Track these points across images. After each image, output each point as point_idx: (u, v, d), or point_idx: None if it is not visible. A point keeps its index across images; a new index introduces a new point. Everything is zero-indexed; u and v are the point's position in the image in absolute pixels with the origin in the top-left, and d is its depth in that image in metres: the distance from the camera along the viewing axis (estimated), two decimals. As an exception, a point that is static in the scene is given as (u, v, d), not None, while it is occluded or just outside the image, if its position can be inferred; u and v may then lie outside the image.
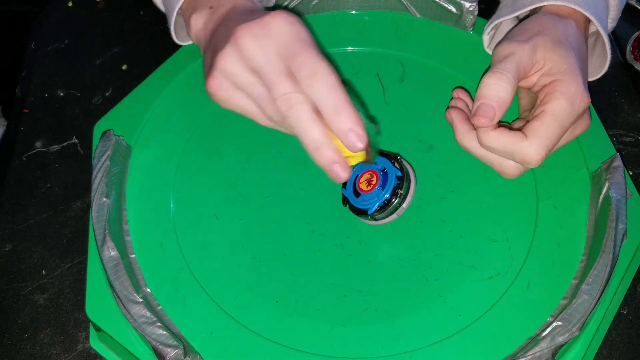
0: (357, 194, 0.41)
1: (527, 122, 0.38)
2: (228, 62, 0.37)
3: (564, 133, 0.38)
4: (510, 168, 0.40)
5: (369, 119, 0.40)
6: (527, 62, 0.39)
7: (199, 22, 0.44)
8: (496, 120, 0.38)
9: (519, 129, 0.38)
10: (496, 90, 0.38)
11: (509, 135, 0.38)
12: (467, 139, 0.41)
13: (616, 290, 0.39)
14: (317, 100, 0.35)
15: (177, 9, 0.46)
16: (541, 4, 0.43)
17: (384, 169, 0.40)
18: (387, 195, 0.39)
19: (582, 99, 0.38)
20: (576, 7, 0.42)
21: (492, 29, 0.48)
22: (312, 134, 0.35)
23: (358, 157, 0.38)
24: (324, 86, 0.35)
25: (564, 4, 0.42)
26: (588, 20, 0.44)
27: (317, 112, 0.35)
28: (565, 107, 0.37)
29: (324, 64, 0.35)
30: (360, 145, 0.35)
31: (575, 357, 0.37)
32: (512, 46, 0.39)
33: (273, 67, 0.36)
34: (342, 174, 0.36)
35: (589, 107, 0.43)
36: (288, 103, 0.35)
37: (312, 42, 0.36)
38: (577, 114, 0.38)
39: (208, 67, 0.40)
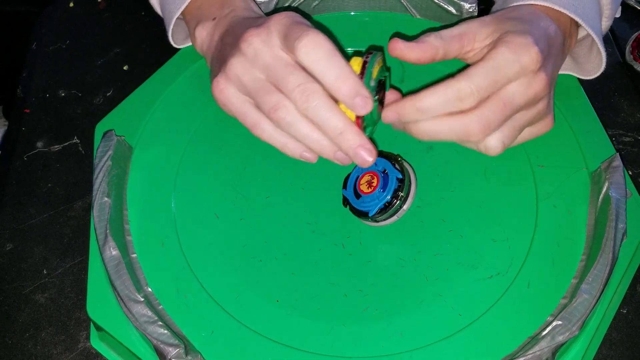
0: (357, 195, 0.41)
1: None
2: (234, 67, 0.38)
3: (501, 80, 0.36)
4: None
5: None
6: (469, 33, 0.39)
7: (203, 34, 0.45)
8: (402, 48, 0.38)
9: None
10: (424, 38, 0.39)
11: (433, 87, 0.36)
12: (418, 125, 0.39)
13: (616, 289, 0.39)
14: (318, 70, 0.35)
15: (176, 17, 0.47)
16: (526, 3, 0.43)
17: (385, 170, 0.40)
18: (387, 198, 0.39)
19: (527, 50, 0.36)
20: (557, 8, 0.42)
21: None
22: (334, 121, 0.35)
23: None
24: (320, 55, 0.34)
25: (546, 4, 0.42)
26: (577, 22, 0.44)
27: (333, 101, 0.35)
28: (504, 52, 0.36)
29: (316, 33, 0.35)
30: (368, 107, 0.35)
31: (575, 356, 0.37)
32: (462, 22, 0.40)
33: (283, 64, 0.36)
34: (369, 158, 0.36)
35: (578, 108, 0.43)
36: (304, 93, 0.35)
37: (308, 24, 0.36)
38: (520, 64, 0.36)
39: (212, 79, 0.40)
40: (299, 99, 0.35)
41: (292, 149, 0.39)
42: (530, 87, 0.38)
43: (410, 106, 0.37)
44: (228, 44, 0.40)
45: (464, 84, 0.36)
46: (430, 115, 0.37)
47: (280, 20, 0.37)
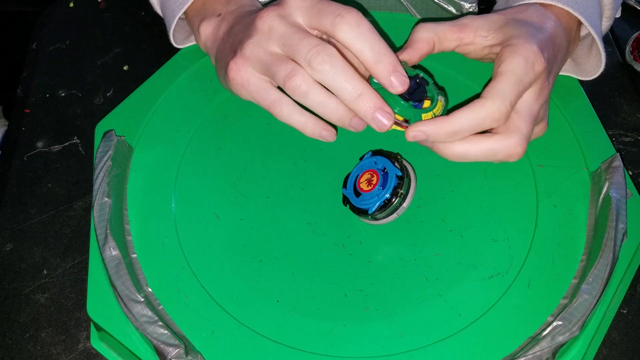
0: (357, 193, 0.41)
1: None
2: (250, 46, 0.37)
3: (523, 90, 0.37)
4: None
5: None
6: (468, 29, 0.40)
7: (208, 30, 0.45)
8: (406, 55, 0.39)
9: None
10: (411, 34, 0.40)
11: (466, 109, 0.36)
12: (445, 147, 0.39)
13: (616, 289, 0.39)
14: (355, 48, 0.35)
15: (178, 16, 0.47)
16: (529, 1, 0.43)
17: (384, 168, 0.40)
18: (387, 195, 0.39)
19: (537, 59, 0.37)
20: (561, 5, 0.42)
21: None
22: (351, 83, 0.35)
23: (439, 106, 0.37)
24: (361, 31, 0.34)
25: (550, 2, 0.42)
26: (579, 23, 0.44)
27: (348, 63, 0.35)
28: (519, 63, 0.37)
29: (352, 9, 0.35)
30: (404, 86, 0.35)
31: (576, 356, 0.37)
32: (467, 16, 0.41)
33: (299, 32, 0.35)
34: (387, 121, 0.35)
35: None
36: (318, 56, 0.34)
37: (331, 1, 0.36)
38: (534, 73, 0.37)
39: (225, 66, 0.40)
40: (313, 62, 0.35)
41: (311, 128, 0.38)
42: (541, 96, 0.38)
43: (440, 127, 0.36)
44: (239, 32, 0.40)
45: (499, 104, 0.36)
46: (461, 137, 0.37)
47: (299, 1, 0.36)
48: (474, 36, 0.40)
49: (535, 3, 0.43)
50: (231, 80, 0.39)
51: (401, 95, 0.37)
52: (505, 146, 0.37)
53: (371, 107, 0.35)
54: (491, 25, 0.40)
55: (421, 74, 0.40)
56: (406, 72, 0.37)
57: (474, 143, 0.37)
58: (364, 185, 0.41)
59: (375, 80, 0.37)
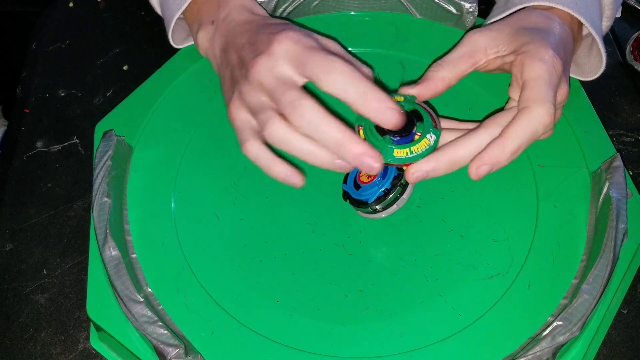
0: (357, 187, 0.41)
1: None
2: (244, 93, 0.38)
3: (556, 92, 0.37)
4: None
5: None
6: (478, 49, 0.40)
7: (205, 40, 0.45)
8: (414, 90, 0.39)
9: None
10: (427, 72, 0.40)
11: (518, 123, 0.36)
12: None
13: (616, 290, 0.39)
14: (341, 93, 0.35)
15: (176, 17, 0.47)
16: (528, 4, 0.43)
17: None
18: (387, 185, 0.40)
19: (555, 61, 0.38)
20: (561, 7, 0.42)
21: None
22: (331, 132, 0.35)
23: (423, 144, 0.37)
24: (342, 77, 0.34)
25: (550, 4, 0.43)
26: (580, 24, 0.44)
27: (329, 113, 0.35)
28: (542, 67, 0.37)
29: (336, 59, 0.35)
30: (398, 117, 0.35)
31: (576, 356, 0.37)
32: (472, 32, 0.41)
33: (281, 85, 0.36)
34: (375, 164, 0.35)
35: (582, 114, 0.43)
36: (297, 109, 0.35)
37: (318, 47, 0.36)
38: (557, 74, 0.38)
39: (228, 93, 0.41)
40: (292, 114, 0.35)
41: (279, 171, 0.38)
42: (558, 97, 0.39)
43: (503, 155, 0.36)
44: (235, 65, 0.40)
45: (547, 107, 0.36)
46: (522, 151, 0.37)
47: (286, 47, 0.36)
48: (485, 56, 0.41)
49: (537, 8, 0.43)
50: (232, 121, 0.40)
51: (380, 128, 0.37)
52: (540, 118, 0.37)
53: (356, 154, 0.35)
54: (500, 38, 0.40)
55: (422, 111, 0.39)
56: (401, 106, 0.36)
57: (517, 131, 0.37)
58: (364, 178, 0.41)
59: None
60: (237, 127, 0.39)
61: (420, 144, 0.37)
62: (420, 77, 0.40)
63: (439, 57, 0.41)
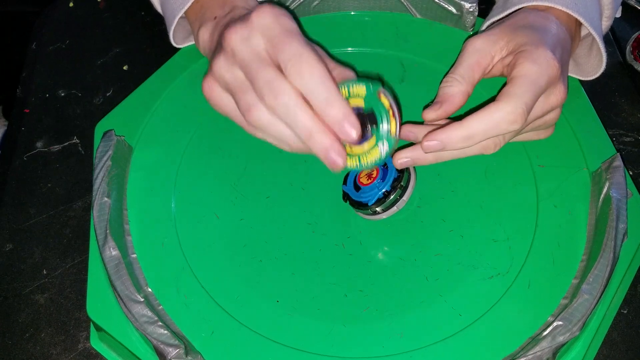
0: (357, 188, 0.41)
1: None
2: (217, 65, 0.37)
3: (538, 95, 0.37)
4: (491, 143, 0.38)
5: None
6: (484, 55, 0.40)
7: (206, 35, 0.45)
8: (441, 112, 0.39)
9: None
10: (443, 89, 0.39)
11: (481, 113, 0.36)
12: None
13: (617, 290, 0.39)
14: (306, 92, 0.34)
15: (179, 16, 0.47)
16: (527, 4, 0.43)
17: (385, 163, 0.41)
18: (387, 187, 0.39)
19: (549, 62, 0.37)
20: (560, 7, 0.42)
21: (486, 29, 0.49)
22: (302, 121, 0.34)
23: (374, 154, 0.36)
24: (312, 77, 0.34)
25: (549, 4, 0.42)
26: (579, 22, 0.44)
27: (305, 99, 0.34)
28: (532, 67, 0.37)
29: (310, 54, 0.34)
30: (355, 134, 0.34)
31: (576, 356, 0.37)
32: (474, 40, 0.40)
33: (258, 61, 0.35)
34: (339, 161, 0.34)
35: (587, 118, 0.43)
36: (273, 91, 0.34)
37: (297, 32, 0.35)
38: (547, 76, 0.37)
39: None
40: (267, 97, 0.34)
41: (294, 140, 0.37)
42: (549, 99, 0.39)
43: (457, 135, 0.36)
44: (218, 42, 0.40)
45: (514, 105, 0.35)
46: (476, 142, 0.37)
47: (264, 20, 0.35)
48: (492, 61, 0.40)
49: (535, 9, 0.43)
50: (207, 98, 0.39)
51: None
52: (493, 142, 0.37)
53: (322, 146, 0.34)
54: (500, 42, 0.40)
55: (381, 112, 0.36)
56: (363, 103, 0.36)
57: (476, 119, 0.36)
58: (364, 180, 0.41)
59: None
60: (225, 109, 0.38)
61: (371, 154, 0.36)
62: (436, 97, 0.40)
63: (439, 57, 0.41)
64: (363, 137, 0.36)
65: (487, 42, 0.40)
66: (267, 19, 0.35)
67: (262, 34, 0.35)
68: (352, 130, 0.34)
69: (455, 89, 0.39)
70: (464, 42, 0.42)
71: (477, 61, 0.40)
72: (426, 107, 0.40)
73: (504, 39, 0.40)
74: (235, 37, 0.36)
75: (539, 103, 0.38)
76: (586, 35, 0.46)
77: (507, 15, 0.45)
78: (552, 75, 0.37)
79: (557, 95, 0.39)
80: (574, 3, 0.43)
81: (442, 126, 0.37)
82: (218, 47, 0.38)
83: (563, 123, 0.46)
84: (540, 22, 0.41)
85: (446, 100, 0.39)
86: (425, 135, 0.37)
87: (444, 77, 0.40)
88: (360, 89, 0.36)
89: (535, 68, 0.37)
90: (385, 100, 0.35)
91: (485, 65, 0.40)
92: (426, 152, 0.38)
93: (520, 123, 0.36)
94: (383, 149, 0.35)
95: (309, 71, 0.34)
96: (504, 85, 0.38)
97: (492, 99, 0.37)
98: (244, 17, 0.36)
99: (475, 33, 0.52)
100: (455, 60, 0.41)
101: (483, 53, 0.40)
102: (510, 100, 0.36)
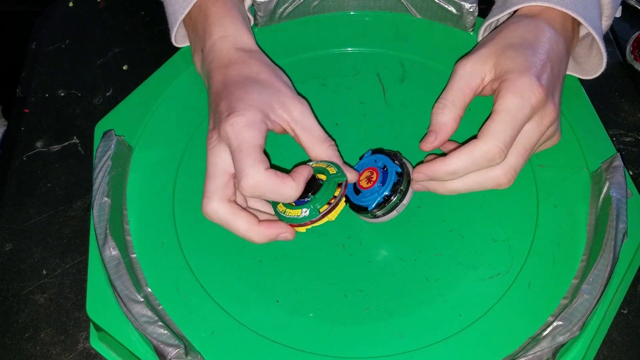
0: (357, 191, 0.41)
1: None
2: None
3: (520, 126, 0.38)
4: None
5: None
6: (473, 80, 0.41)
7: (198, 63, 0.47)
8: (436, 143, 0.40)
9: None
10: (435, 118, 0.41)
11: (462, 150, 0.38)
12: (432, 184, 0.41)
13: (617, 289, 0.39)
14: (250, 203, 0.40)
15: (180, 20, 0.47)
16: (526, 5, 0.43)
17: (384, 166, 0.40)
18: (386, 192, 0.39)
19: (532, 91, 0.38)
20: (559, 8, 0.42)
21: (486, 29, 0.49)
22: (238, 227, 0.38)
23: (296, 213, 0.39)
24: (254, 194, 0.37)
25: (548, 4, 0.42)
26: (578, 22, 0.44)
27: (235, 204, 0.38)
28: (513, 100, 0.37)
29: (249, 176, 0.36)
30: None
31: (576, 356, 0.37)
32: (464, 62, 0.41)
33: (242, 143, 0.38)
34: (290, 236, 0.39)
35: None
36: (240, 176, 0.37)
37: (248, 148, 0.37)
38: (530, 106, 0.37)
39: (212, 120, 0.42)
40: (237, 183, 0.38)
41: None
42: (542, 123, 0.39)
43: (441, 170, 0.38)
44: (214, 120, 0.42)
45: (491, 145, 0.37)
46: (459, 177, 0.39)
47: (230, 136, 0.38)
48: (482, 83, 0.41)
49: (526, 16, 0.43)
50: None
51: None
52: (492, 178, 0.38)
53: (268, 238, 0.38)
54: (486, 63, 0.41)
55: (339, 179, 0.39)
56: (321, 180, 0.39)
57: (467, 178, 0.39)
58: (363, 183, 0.41)
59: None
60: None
61: (297, 211, 0.38)
62: (430, 125, 0.41)
63: (439, 57, 0.41)
64: (303, 201, 0.39)
65: (477, 63, 0.41)
66: (232, 139, 0.38)
67: (225, 146, 0.38)
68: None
69: (446, 117, 0.40)
70: (455, 63, 0.42)
71: (467, 84, 0.41)
72: (422, 140, 0.41)
73: (492, 60, 0.41)
74: (211, 146, 0.39)
75: (533, 128, 0.39)
76: (586, 35, 0.46)
77: (498, 27, 0.45)
78: (536, 102, 0.38)
79: (549, 115, 0.39)
80: (573, 3, 0.43)
81: (438, 156, 0.40)
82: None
83: (563, 123, 0.46)
84: (531, 35, 0.41)
85: (439, 130, 0.40)
86: (416, 167, 0.40)
87: (436, 100, 0.41)
88: (330, 170, 0.39)
89: (517, 101, 0.37)
90: (338, 190, 0.39)
91: (476, 87, 0.41)
92: (417, 182, 0.40)
93: (498, 159, 0.37)
94: (304, 214, 0.38)
95: (253, 189, 0.37)
96: (488, 118, 0.38)
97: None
98: (218, 124, 0.39)
99: (475, 30, 0.52)
100: (447, 83, 0.41)
101: (473, 75, 0.41)
102: (488, 140, 0.37)
